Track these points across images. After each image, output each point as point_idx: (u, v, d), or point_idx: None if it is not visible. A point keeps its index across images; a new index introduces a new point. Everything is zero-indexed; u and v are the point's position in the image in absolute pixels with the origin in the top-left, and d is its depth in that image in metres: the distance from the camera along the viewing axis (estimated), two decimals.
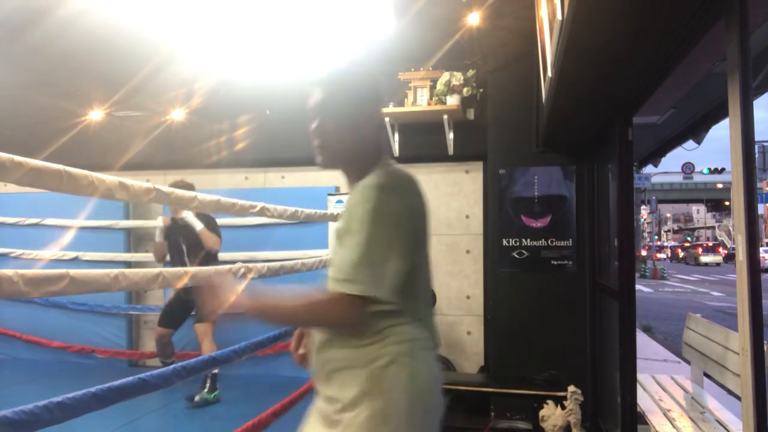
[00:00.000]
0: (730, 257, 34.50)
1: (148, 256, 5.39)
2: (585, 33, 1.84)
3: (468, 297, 4.63)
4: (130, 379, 1.69)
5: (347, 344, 1.32)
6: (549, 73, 2.60)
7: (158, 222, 4.29)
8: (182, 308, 4.24)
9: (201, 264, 4.00)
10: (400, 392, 1.28)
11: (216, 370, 4.08)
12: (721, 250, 37.23)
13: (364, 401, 1.28)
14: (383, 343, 1.30)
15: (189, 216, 4.07)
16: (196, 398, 4.04)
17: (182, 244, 4.17)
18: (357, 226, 1.26)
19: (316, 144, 1.41)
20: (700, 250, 37.52)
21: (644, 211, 33.96)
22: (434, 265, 4.97)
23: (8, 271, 1.37)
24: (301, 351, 1.55)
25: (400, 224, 1.30)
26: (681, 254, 41.29)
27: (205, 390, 4.06)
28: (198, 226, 4.04)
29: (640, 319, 8.98)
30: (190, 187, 4.17)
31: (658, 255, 30.24)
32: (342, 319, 1.27)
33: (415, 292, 1.37)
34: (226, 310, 1.31)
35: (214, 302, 1.33)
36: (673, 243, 57.82)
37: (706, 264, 34.57)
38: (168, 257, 4.26)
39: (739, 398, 1.94)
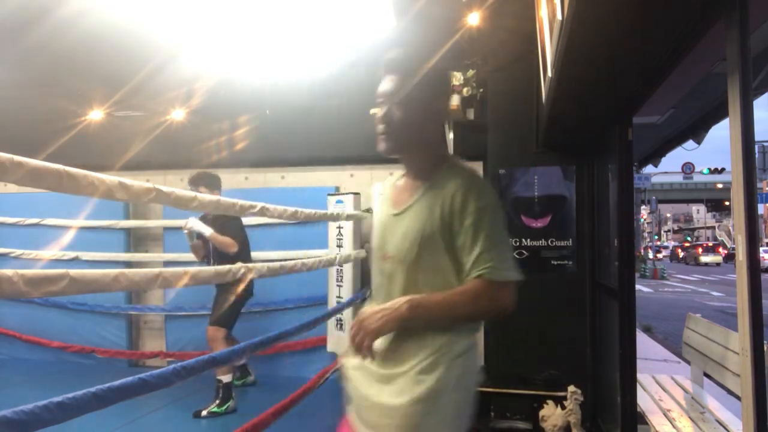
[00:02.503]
0: (730, 257, 34.50)
1: (148, 256, 5.40)
2: (585, 33, 1.84)
3: None
4: (130, 379, 1.68)
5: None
6: (549, 73, 2.60)
7: (183, 228, 4.17)
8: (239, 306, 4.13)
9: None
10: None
11: (229, 379, 3.93)
12: (721, 250, 37.21)
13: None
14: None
15: (196, 224, 3.96)
16: (204, 413, 3.84)
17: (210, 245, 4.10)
18: (489, 219, 1.35)
19: (381, 130, 1.44)
20: (700, 250, 37.51)
21: (644, 211, 33.94)
22: None
23: (8, 271, 1.37)
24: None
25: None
26: (681, 254, 41.27)
27: (216, 402, 3.88)
28: (207, 231, 3.93)
29: (640, 319, 8.97)
30: (215, 179, 4.12)
31: (657, 255, 30.20)
32: (506, 304, 1.38)
33: None
34: (381, 333, 1.34)
35: (364, 333, 1.33)
36: (673, 243, 57.81)
37: (706, 264, 34.56)
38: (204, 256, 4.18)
39: (739, 398, 1.94)
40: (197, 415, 3.84)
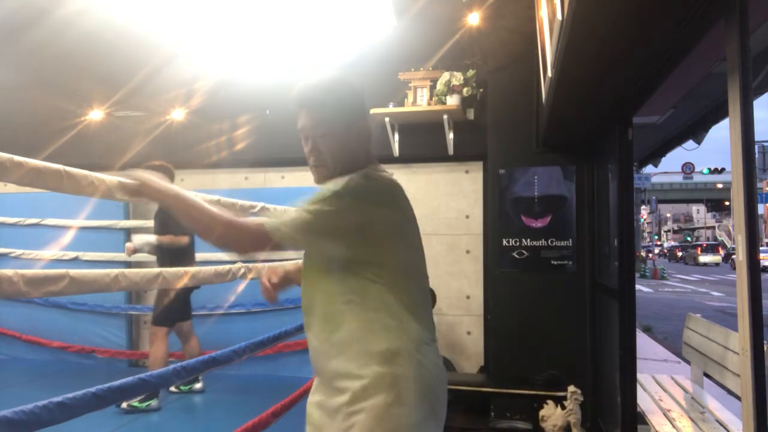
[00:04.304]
0: (729, 257, 34.49)
1: (148, 256, 5.39)
2: (585, 33, 1.84)
3: (468, 297, 4.63)
4: (130, 379, 1.68)
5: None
6: (549, 73, 2.60)
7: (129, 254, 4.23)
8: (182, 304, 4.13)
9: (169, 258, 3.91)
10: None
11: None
12: (720, 250, 37.20)
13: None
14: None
15: (140, 240, 4.00)
16: (123, 405, 3.76)
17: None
18: (313, 200, 1.34)
19: (312, 164, 1.47)
20: (699, 250, 37.50)
21: (644, 211, 33.97)
22: (434, 265, 4.96)
23: (8, 271, 1.37)
24: (273, 280, 1.70)
25: (354, 214, 1.35)
26: (679, 254, 41.22)
27: (138, 398, 3.77)
28: (152, 238, 3.97)
29: (640, 319, 8.98)
30: (168, 170, 4.01)
31: (651, 255, 30.23)
32: (251, 246, 1.38)
33: (400, 287, 1.41)
34: (143, 184, 1.52)
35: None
36: (672, 243, 57.79)
37: (705, 264, 34.55)
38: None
39: (739, 398, 1.94)
40: (118, 404, 3.69)
